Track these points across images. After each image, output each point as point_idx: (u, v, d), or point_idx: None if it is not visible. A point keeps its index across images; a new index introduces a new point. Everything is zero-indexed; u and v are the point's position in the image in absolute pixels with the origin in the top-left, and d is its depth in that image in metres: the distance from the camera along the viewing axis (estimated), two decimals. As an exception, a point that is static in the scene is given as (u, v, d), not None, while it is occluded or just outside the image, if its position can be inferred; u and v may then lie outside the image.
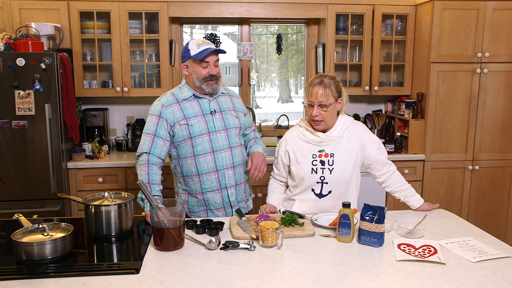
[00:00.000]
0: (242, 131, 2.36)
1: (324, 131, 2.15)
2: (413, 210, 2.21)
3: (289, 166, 2.23)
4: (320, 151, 2.14)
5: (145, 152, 2.13)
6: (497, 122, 3.59)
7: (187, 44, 2.18)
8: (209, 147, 2.17)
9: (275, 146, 2.88)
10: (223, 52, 2.20)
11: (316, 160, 2.13)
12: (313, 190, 2.15)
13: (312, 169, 2.13)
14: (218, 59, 2.18)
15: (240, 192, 2.29)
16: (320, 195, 2.15)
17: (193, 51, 2.13)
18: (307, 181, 2.14)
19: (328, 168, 2.12)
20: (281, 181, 2.32)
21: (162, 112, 2.15)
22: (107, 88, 3.55)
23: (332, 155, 2.12)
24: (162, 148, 2.15)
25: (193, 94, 2.21)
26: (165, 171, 2.34)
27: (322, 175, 2.12)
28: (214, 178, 2.20)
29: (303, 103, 2.21)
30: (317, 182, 2.13)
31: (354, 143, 2.14)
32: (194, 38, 2.19)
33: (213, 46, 2.15)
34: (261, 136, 3.97)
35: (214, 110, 2.22)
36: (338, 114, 2.17)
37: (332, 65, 3.68)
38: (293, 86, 5.52)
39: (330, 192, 2.14)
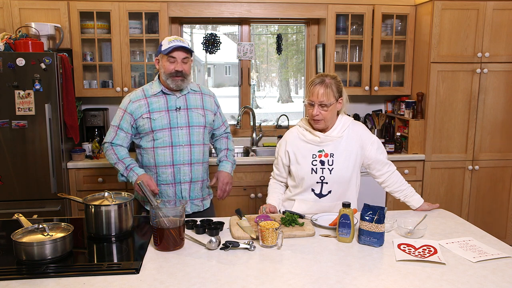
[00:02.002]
0: (209, 130, 2.41)
1: (323, 131, 2.15)
2: (413, 210, 2.21)
3: (289, 167, 2.23)
4: (320, 151, 2.14)
5: (108, 142, 2.31)
6: (497, 122, 3.59)
7: (163, 40, 2.27)
8: (168, 141, 2.26)
9: (275, 146, 2.88)
10: (191, 51, 2.25)
11: (316, 160, 2.13)
12: (313, 190, 2.15)
13: (312, 169, 2.13)
14: (187, 57, 2.23)
15: (195, 190, 2.35)
16: (320, 195, 2.15)
17: (164, 46, 2.21)
18: (307, 181, 2.14)
19: (328, 168, 2.12)
20: (281, 182, 2.32)
21: (127, 107, 2.27)
22: (107, 88, 3.55)
23: (332, 155, 2.12)
24: (124, 140, 2.30)
25: (161, 90, 2.28)
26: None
27: (322, 175, 2.12)
28: (169, 172, 2.27)
29: (303, 102, 2.21)
30: (317, 182, 2.13)
31: (353, 143, 2.14)
32: (170, 35, 2.28)
33: (184, 44, 2.21)
34: (261, 136, 3.97)
35: (180, 107, 2.28)
36: (338, 114, 2.17)
37: (332, 65, 3.68)
38: (293, 86, 5.51)
39: (330, 192, 2.14)
